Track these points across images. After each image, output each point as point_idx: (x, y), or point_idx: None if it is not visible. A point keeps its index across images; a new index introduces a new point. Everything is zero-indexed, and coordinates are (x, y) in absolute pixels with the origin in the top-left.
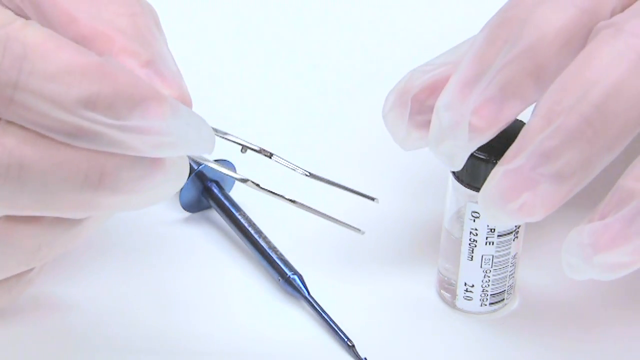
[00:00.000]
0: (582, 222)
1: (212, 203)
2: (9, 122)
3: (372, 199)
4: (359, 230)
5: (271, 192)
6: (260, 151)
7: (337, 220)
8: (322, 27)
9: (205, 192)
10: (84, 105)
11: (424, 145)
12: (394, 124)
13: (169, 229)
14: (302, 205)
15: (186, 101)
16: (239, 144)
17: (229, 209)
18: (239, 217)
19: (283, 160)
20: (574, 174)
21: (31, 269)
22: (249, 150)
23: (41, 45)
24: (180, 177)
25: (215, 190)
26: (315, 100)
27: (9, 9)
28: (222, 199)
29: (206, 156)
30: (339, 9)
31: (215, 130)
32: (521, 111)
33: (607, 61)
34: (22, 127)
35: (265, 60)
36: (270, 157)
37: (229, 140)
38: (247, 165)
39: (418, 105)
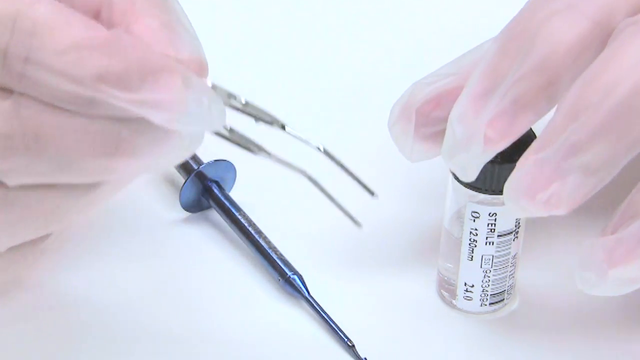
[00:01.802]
0: (595, 236)
1: (212, 203)
2: (23, 94)
3: (372, 193)
4: (358, 222)
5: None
6: (273, 122)
7: (340, 205)
8: (330, 31)
9: (205, 192)
10: (95, 79)
11: (431, 157)
12: (399, 137)
13: (169, 229)
14: (313, 181)
15: (203, 64)
16: (252, 115)
17: (229, 209)
18: (239, 217)
19: (295, 133)
20: (601, 168)
21: (46, 238)
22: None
23: (50, 21)
24: (196, 141)
25: (215, 190)
26: (317, 100)
27: None
28: (222, 199)
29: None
30: (345, 17)
31: (232, 95)
32: (534, 123)
33: (632, 58)
34: (36, 98)
35: (272, 69)
36: (283, 129)
37: (240, 111)
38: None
39: (423, 117)
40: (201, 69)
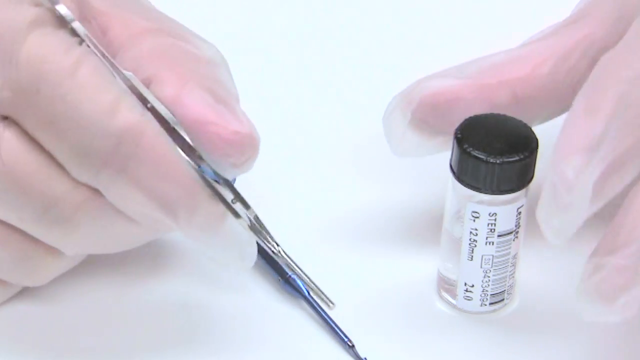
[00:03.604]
0: (588, 262)
1: None
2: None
3: (330, 304)
4: (331, 303)
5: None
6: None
7: (315, 285)
8: (326, 29)
9: None
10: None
11: (419, 154)
12: (392, 124)
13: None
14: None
15: (254, 140)
16: (270, 247)
17: None
18: None
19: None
20: None
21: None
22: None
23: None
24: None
25: None
26: (316, 97)
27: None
28: None
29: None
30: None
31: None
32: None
33: None
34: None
35: (265, 59)
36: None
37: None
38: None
39: (423, 108)
40: (252, 143)
